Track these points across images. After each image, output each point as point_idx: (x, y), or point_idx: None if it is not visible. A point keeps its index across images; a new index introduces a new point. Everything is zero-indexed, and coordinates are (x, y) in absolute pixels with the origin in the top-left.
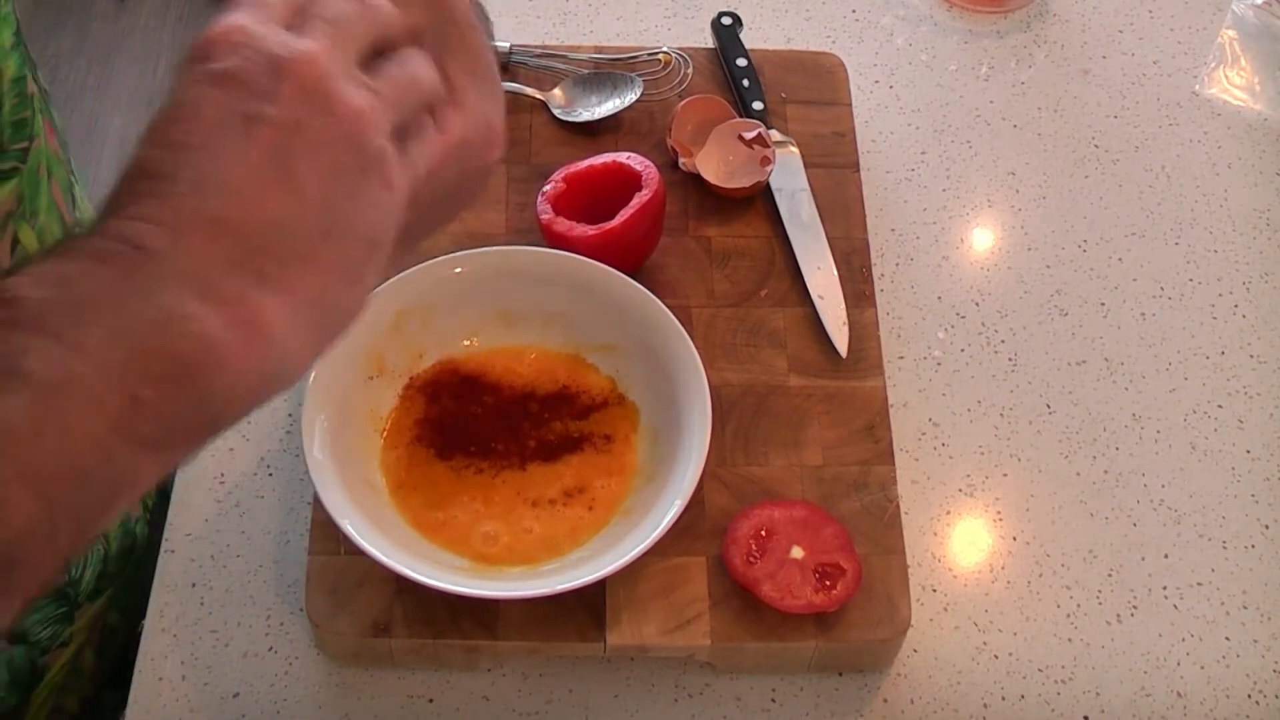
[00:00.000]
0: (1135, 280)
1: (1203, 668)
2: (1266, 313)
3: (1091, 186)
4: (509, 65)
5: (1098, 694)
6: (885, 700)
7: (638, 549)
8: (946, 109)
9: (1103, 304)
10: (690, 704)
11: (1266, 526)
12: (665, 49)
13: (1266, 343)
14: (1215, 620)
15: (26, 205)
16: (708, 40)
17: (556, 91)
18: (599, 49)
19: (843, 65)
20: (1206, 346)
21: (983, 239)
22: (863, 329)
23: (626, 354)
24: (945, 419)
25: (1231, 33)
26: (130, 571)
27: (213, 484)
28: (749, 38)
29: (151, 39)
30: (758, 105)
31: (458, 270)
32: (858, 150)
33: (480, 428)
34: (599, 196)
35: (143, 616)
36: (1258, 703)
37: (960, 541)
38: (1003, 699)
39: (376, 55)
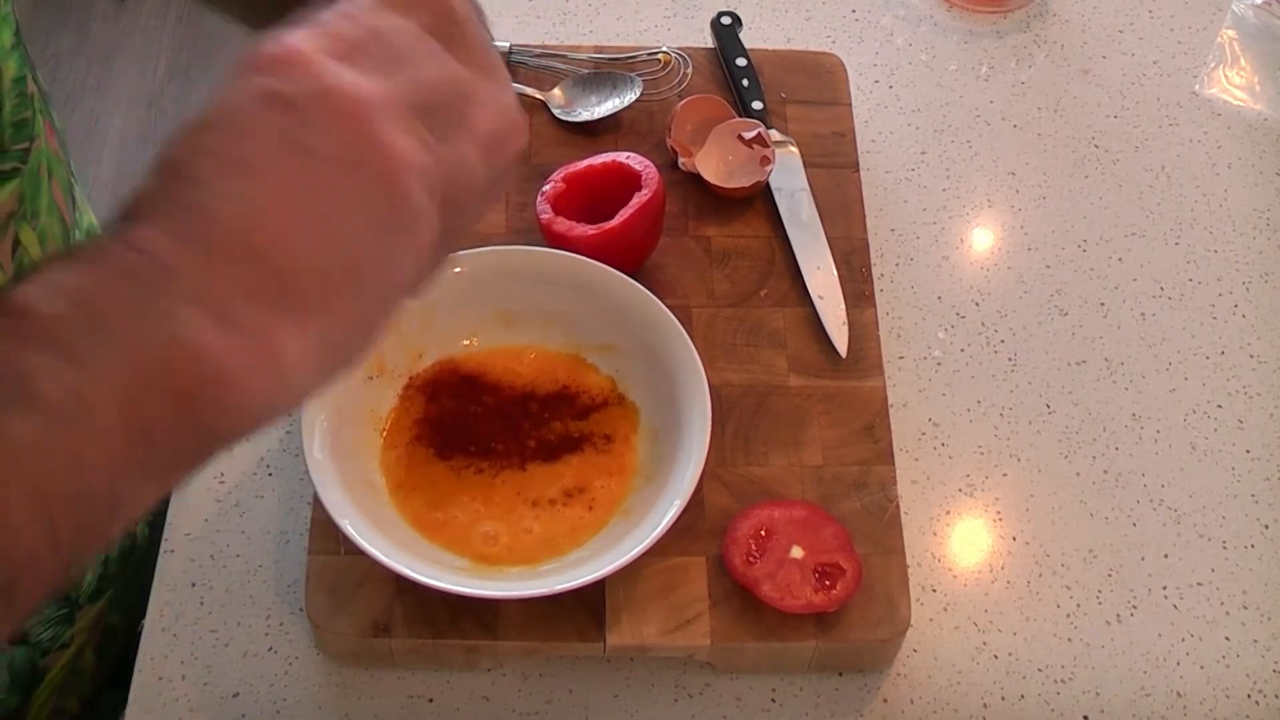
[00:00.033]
0: (1135, 280)
1: (1203, 668)
2: (1266, 313)
3: (1091, 186)
4: (509, 65)
5: (1098, 694)
6: (885, 700)
7: (638, 549)
8: (946, 109)
9: (1103, 304)
10: (690, 704)
11: (1266, 526)
12: (665, 49)
13: (1266, 343)
14: (1215, 620)
15: (27, 206)
16: (707, 40)
17: (556, 91)
18: (599, 49)
19: (843, 65)
20: (1206, 346)
21: (983, 239)
22: (863, 329)
23: (626, 354)
24: (945, 419)
25: (1231, 33)
26: (131, 572)
27: (212, 484)
28: (749, 37)
29: (151, 39)
30: (757, 105)
31: (457, 270)
32: (858, 150)
33: (480, 428)
34: (599, 196)
35: (143, 616)
36: (1258, 703)
37: (960, 541)
38: (1003, 699)
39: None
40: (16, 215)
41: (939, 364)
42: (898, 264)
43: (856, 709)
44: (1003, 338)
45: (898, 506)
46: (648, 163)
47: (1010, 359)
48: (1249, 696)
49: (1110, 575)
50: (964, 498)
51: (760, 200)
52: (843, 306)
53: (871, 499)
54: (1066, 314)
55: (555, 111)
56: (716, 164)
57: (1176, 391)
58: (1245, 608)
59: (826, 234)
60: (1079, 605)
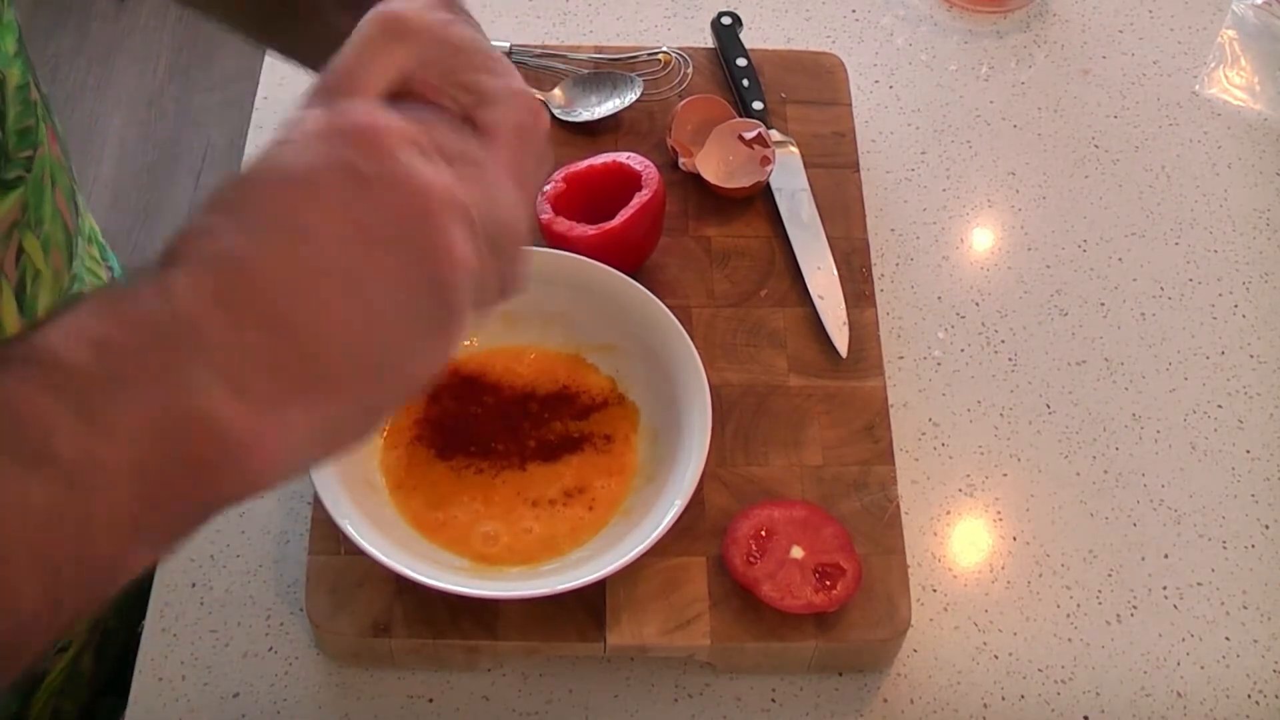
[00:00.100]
0: (1135, 280)
1: (1203, 668)
2: (1266, 313)
3: (1091, 186)
4: None
5: (1098, 694)
6: (885, 700)
7: (638, 549)
8: (946, 109)
9: (1103, 304)
10: (690, 704)
11: (1266, 526)
12: (665, 49)
13: (1266, 343)
14: (1215, 620)
15: (31, 214)
16: (707, 40)
17: (556, 91)
18: (599, 49)
19: (843, 65)
20: (1206, 346)
21: (983, 239)
22: (863, 329)
23: (626, 354)
24: (945, 419)
25: (1231, 33)
26: None
27: None
28: (749, 38)
29: (151, 39)
30: (758, 105)
31: None
32: (858, 150)
33: (480, 428)
34: (599, 196)
35: (141, 619)
36: (1258, 703)
37: (960, 541)
38: (1003, 699)
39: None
40: (20, 224)
41: (939, 364)
42: (898, 264)
43: (856, 709)
44: (1003, 338)
45: (898, 506)
46: (648, 163)
47: (1010, 359)
48: (1249, 696)
49: (1110, 575)
50: (964, 498)
51: (760, 200)
52: (843, 306)
53: (871, 499)
54: (1066, 314)
55: (555, 112)
56: (717, 164)
57: (1176, 391)
58: (1245, 608)
59: (827, 234)
60: (1079, 605)
